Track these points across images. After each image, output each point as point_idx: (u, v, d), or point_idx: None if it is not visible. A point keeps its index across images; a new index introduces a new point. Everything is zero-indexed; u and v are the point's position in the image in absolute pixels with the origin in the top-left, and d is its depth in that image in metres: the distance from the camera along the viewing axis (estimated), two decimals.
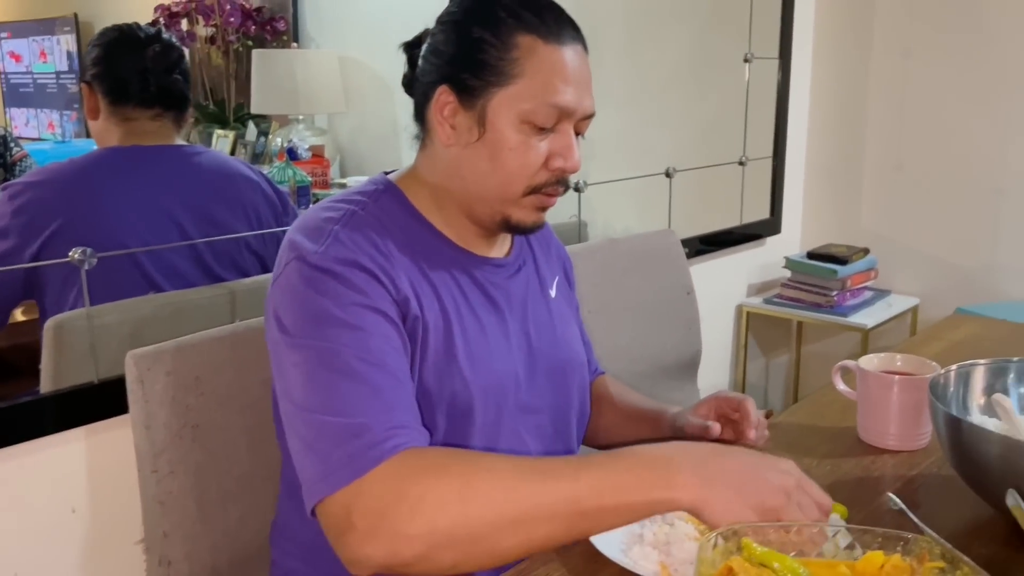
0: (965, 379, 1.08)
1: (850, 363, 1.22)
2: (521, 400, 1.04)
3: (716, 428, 1.09)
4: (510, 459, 0.85)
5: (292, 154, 2.60)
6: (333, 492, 0.80)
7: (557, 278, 1.18)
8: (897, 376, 1.15)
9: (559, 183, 0.98)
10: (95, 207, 1.40)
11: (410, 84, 1.02)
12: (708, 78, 2.50)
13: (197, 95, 3.14)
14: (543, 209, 1.01)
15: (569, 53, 0.95)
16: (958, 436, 0.94)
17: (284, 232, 0.98)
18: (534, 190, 0.97)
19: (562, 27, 0.96)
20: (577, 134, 1.00)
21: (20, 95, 3.62)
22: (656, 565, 0.87)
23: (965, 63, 2.55)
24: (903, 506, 0.87)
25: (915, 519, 0.85)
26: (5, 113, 3.79)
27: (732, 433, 1.12)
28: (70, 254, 1.26)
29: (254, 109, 2.99)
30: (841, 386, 1.24)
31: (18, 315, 1.44)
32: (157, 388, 1.12)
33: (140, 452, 1.12)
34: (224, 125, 3.28)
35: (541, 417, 1.07)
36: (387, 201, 1.00)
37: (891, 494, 0.89)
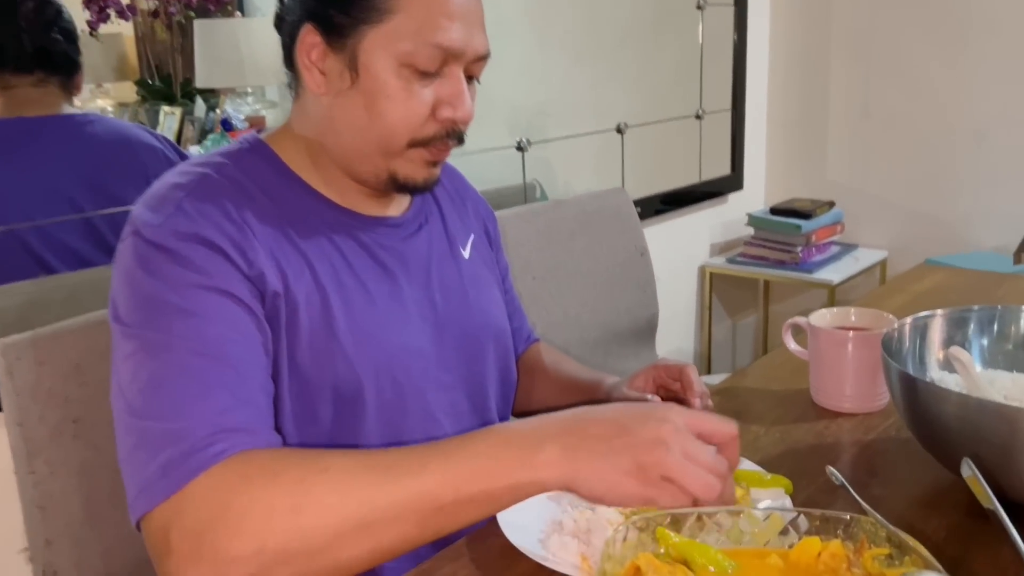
0: (922, 332, 0.98)
1: (800, 320, 1.12)
2: (430, 376, 0.93)
3: (655, 399, 0.99)
4: (351, 456, 0.72)
5: (227, 126, 2.46)
6: (150, 509, 0.69)
7: (472, 236, 1.06)
8: (851, 332, 1.05)
9: (450, 136, 0.87)
10: None
11: (280, 22, 0.90)
12: (660, 28, 2.38)
13: (143, 72, 2.99)
14: (435, 164, 0.89)
15: None
16: (913, 396, 0.84)
17: None
18: (421, 143, 0.86)
19: None
20: (470, 78, 0.88)
21: None
22: (576, 557, 0.76)
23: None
24: (843, 480, 0.77)
25: (856, 495, 0.75)
26: None
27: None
28: None
29: (199, 83, 2.84)
30: (792, 345, 1.14)
31: None
32: (29, 379, 1.00)
33: (15, 452, 1.00)
34: (171, 101, 3.13)
35: (455, 393, 0.96)
36: (252, 161, 0.88)
37: (831, 467, 0.79)
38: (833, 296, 2.39)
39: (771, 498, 0.83)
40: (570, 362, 1.18)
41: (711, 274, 2.60)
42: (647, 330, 1.92)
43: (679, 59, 2.42)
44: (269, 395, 0.79)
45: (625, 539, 0.61)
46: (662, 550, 0.62)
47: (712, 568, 0.60)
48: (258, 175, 0.87)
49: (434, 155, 0.87)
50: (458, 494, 0.68)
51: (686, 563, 0.61)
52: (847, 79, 2.63)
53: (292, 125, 0.92)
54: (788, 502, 0.82)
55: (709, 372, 2.66)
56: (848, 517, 0.61)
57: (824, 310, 1.11)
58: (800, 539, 0.63)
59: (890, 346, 0.91)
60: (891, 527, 0.59)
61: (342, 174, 0.90)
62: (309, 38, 0.84)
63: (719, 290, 2.69)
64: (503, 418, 1.07)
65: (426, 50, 0.81)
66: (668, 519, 0.63)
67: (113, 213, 1.37)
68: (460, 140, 0.89)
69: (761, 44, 2.69)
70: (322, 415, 0.86)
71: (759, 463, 0.92)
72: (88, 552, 1.04)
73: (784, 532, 0.64)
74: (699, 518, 0.64)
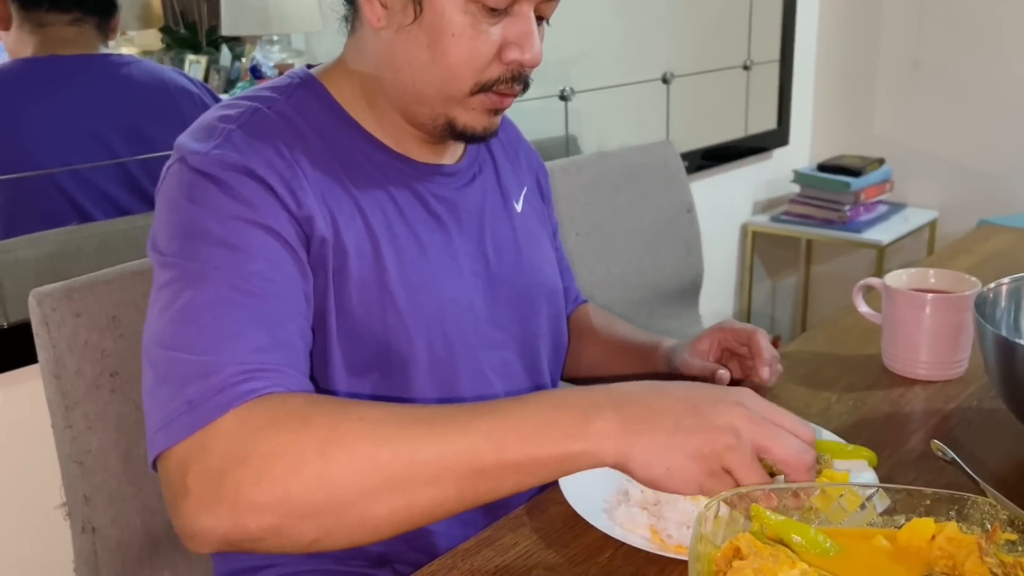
0: (1017, 296, 0.91)
1: (874, 281, 1.05)
2: (481, 333, 0.88)
3: (725, 375, 0.92)
4: (389, 407, 0.65)
5: (256, 73, 2.41)
6: (171, 445, 0.63)
7: (525, 190, 1.00)
8: (930, 295, 0.98)
9: (515, 80, 0.80)
10: (5, 125, 1.22)
11: None
12: None
13: (168, 20, 2.94)
14: (496, 112, 0.82)
15: None
16: (1010, 362, 0.78)
17: None
18: (484, 87, 0.79)
19: None
20: (540, 18, 0.81)
21: None
22: (645, 529, 0.72)
23: None
24: (954, 456, 0.71)
25: (972, 474, 0.68)
26: None
27: (740, 371, 0.96)
28: None
29: (225, 31, 2.79)
30: (863, 308, 1.07)
31: None
32: (66, 331, 0.96)
33: (52, 406, 0.97)
34: (196, 50, 3.08)
35: (507, 352, 0.91)
36: (304, 97, 0.82)
37: (937, 441, 0.73)
38: (882, 257, 2.31)
39: (854, 470, 0.77)
40: (622, 323, 1.12)
41: (753, 232, 2.52)
42: (691, 290, 1.86)
43: (727, 6, 2.32)
44: (306, 341, 0.74)
45: (716, 516, 0.56)
46: (755, 528, 0.57)
47: (812, 550, 0.55)
48: (310, 113, 0.81)
49: (495, 102, 0.81)
50: (502, 456, 0.61)
51: (782, 542, 0.56)
52: (899, 29, 2.51)
53: (347, 61, 0.85)
54: (873, 475, 0.77)
55: None
56: (967, 498, 0.55)
57: (900, 271, 1.05)
58: (907, 521, 0.57)
59: (983, 309, 0.85)
60: (1017, 509, 0.54)
61: (398, 117, 0.84)
62: None
63: (760, 249, 2.61)
64: (554, 381, 1.01)
65: None
66: (762, 495, 0.58)
67: (149, 159, 1.33)
68: (526, 86, 0.82)
69: None
70: (372, 367, 0.81)
71: (834, 431, 0.86)
72: (126, 509, 1.01)
73: (889, 511, 0.58)
74: (795, 494, 0.59)
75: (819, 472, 0.75)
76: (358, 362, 0.81)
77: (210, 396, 0.63)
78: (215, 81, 3.10)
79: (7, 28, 1.31)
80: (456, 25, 0.76)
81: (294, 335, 0.71)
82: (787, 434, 0.62)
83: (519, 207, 0.98)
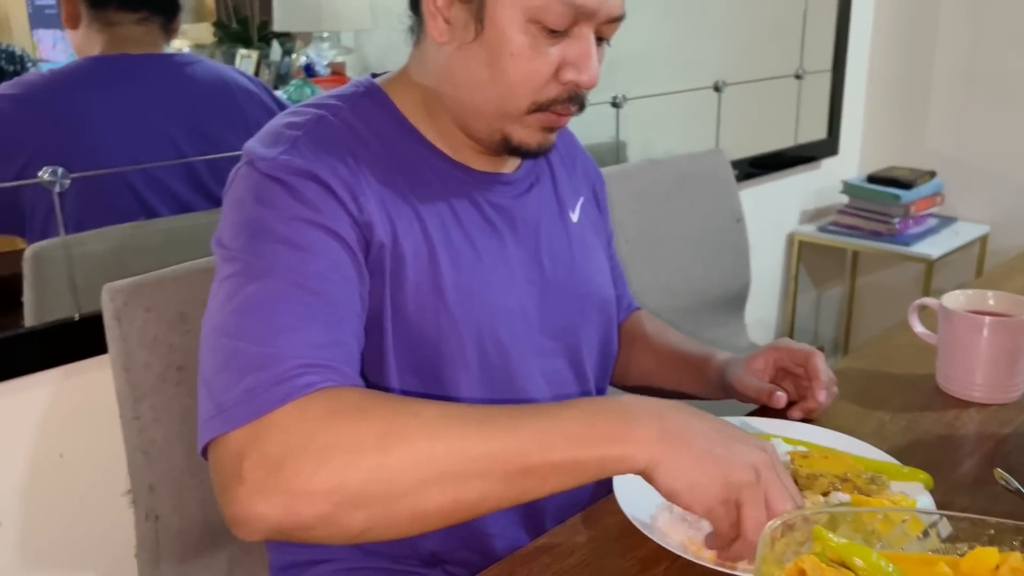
0: None
1: (930, 301, 1.05)
2: (533, 340, 0.89)
3: (782, 397, 0.93)
4: (443, 405, 0.68)
5: (309, 71, 2.44)
6: (226, 431, 0.65)
7: (582, 199, 1.01)
8: (988, 317, 0.98)
9: (572, 100, 0.81)
10: (77, 122, 1.26)
11: None
12: None
13: (220, 14, 2.99)
14: (552, 130, 0.84)
15: None
16: None
17: None
18: (541, 107, 0.80)
19: None
20: (600, 39, 0.82)
21: (46, 17, 3.47)
22: (684, 537, 0.73)
23: None
24: (1019, 486, 0.71)
25: None
26: (32, 35, 3.67)
27: (794, 391, 0.96)
28: (39, 175, 1.12)
29: (277, 26, 2.83)
30: (919, 328, 1.07)
31: (18, 243, 1.32)
32: (136, 325, 1.00)
33: (121, 397, 1.00)
34: (247, 44, 3.12)
35: (556, 360, 0.93)
36: (367, 106, 0.85)
37: (1000, 470, 0.74)
38: (930, 271, 2.29)
39: (910, 493, 0.78)
40: (674, 333, 1.13)
41: (800, 242, 2.51)
42: (738, 300, 1.86)
43: (780, 15, 2.30)
44: (360, 341, 0.76)
45: (781, 537, 0.57)
46: (817, 550, 0.58)
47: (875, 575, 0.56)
48: (373, 121, 0.84)
49: (552, 121, 0.82)
50: (546, 456, 0.65)
51: (845, 565, 0.57)
52: (954, 40, 2.48)
53: (410, 72, 0.87)
54: (929, 498, 0.77)
55: None
56: None
57: (957, 292, 1.04)
58: (969, 549, 0.58)
59: None
60: None
61: (456, 129, 0.86)
62: None
63: (806, 259, 2.59)
64: (600, 389, 1.03)
65: (558, 7, 0.76)
66: (826, 517, 0.58)
67: (213, 159, 1.36)
68: (582, 106, 0.83)
69: (867, 1, 2.54)
70: (425, 369, 0.83)
71: (888, 452, 0.86)
72: (188, 499, 1.04)
73: (951, 539, 0.59)
74: (857, 518, 0.59)
75: (876, 493, 0.76)
76: (411, 363, 0.83)
77: (269, 387, 0.65)
78: (265, 76, 3.15)
79: (75, 27, 1.34)
80: (516, 44, 0.77)
81: (348, 334, 0.73)
82: (790, 499, 0.66)
83: (575, 217, 0.99)
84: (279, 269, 0.71)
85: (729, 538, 0.67)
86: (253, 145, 0.80)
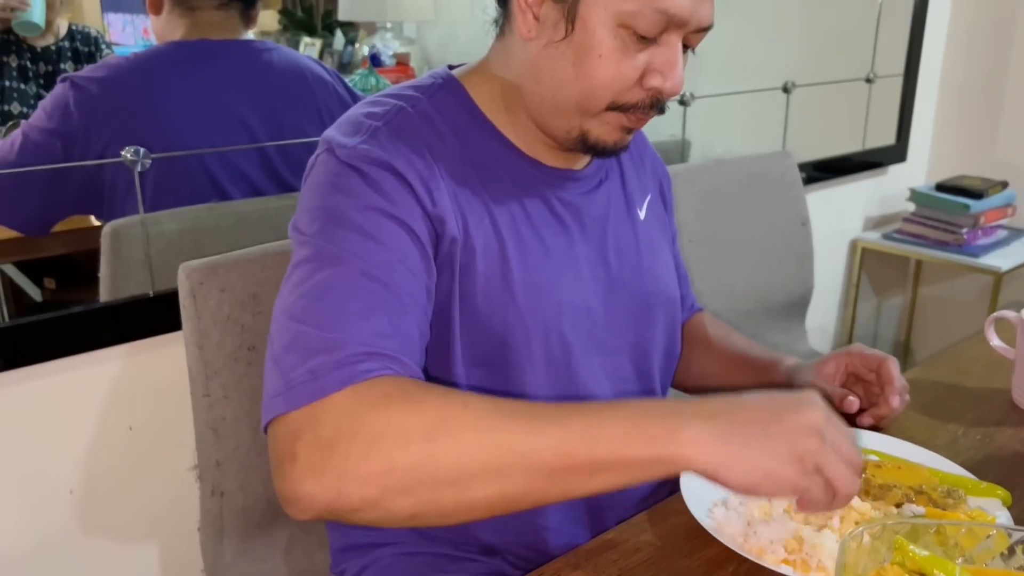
0: None
1: (1009, 314, 1.02)
2: (597, 337, 0.89)
3: (854, 402, 0.92)
4: (493, 399, 0.69)
5: (375, 61, 2.46)
6: (287, 411, 0.66)
7: (649, 197, 1.01)
8: None
9: (652, 106, 0.81)
10: (158, 104, 1.29)
11: None
12: None
13: (286, 2, 3.04)
14: (629, 131, 0.83)
15: None
16: None
17: None
18: (621, 107, 0.80)
19: None
20: (686, 47, 0.81)
21: (117, 1, 3.56)
22: (739, 534, 0.72)
23: None
24: None
25: None
26: (103, 18, 3.77)
27: (866, 398, 0.95)
28: (122, 154, 1.15)
29: (341, 15, 2.86)
30: (996, 341, 1.05)
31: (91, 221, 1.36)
32: (211, 305, 1.02)
33: (192, 374, 1.03)
34: (312, 33, 3.17)
35: (620, 358, 0.92)
36: (444, 98, 0.85)
37: None
38: (998, 284, 2.22)
39: (987, 508, 0.76)
40: (739, 336, 1.12)
41: (863, 249, 2.46)
42: (799, 305, 1.83)
43: (853, 17, 2.26)
44: (423, 333, 0.77)
45: (860, 546, 0.56)
46: (897, 560, 0.57)
47: None
48: (450, 114, 0.84)
49: (631, 122, 0.82)
50: (594, 455, 0.65)
51: None
52: None
53: (490, 64, 0.88)
54: (1007, 515, 0.75)
55: None
56: None
57: None
58: None
59: None
60: None
61: (532, 124, 0.86)
62: None
63: (868, 267, 2.54)
64: (664, 389, 1.02)
65: (650, 14, 0.75)
66: (907, 528, 0.57)
67: (287, 145, 1.38)
68: (661, 111, 0.83)
69: (943, 5, 2.48)
70: (490, 362, 0.84)
71: (962, 466, 0.85)
72: (253, 477, 1.06)
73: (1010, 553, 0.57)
74: (939, 530, 0.58)
75: (952, 507, 0.74)
76: (478, 356, 0.83)
77: (330, 370, 0.67)
78: (328, 64, 3.20)
79: (158, 13, 1.38)
80: (605, 47, 0.77)
81: (412, 326, 0.74)
82: (844, 466, 0.65)
83: (642, 214, 0.99)
84: (350, 257, 0.73)
85: (827, 503, 0.66)
86: (333, 133, 0.81)
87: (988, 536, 0.58)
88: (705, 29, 0.80)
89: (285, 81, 1.43)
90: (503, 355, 0.84)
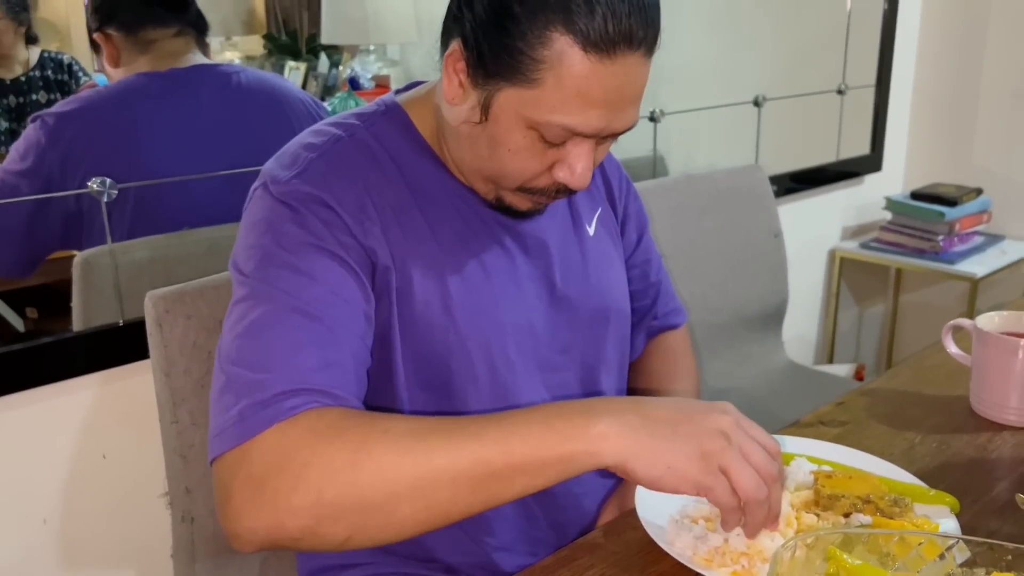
0: None
1: (965, 322, 1.04)
2: (540, 355, 0.91)
3: None
4: (414, 420, 0.73)
5: (354, 84, 2.48)
6: (222, 452, 0.71)
7: (599, 211, 1.01)
8: (1023, 339, 0.97)
9: (561, 191, 0.83)
10: (132, 135, 1.30)
11: (448, 10, 0.84)
12: None
13: (270, 26, 3.06)
14: (541, 203, 0.86)
15: (614, 69, 0.74)
16: None
17: None
18: (530, 192, 0.83)
19: (618, 34, 0.73)
20: (606, 137, 0.81)
21: None
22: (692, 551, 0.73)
23: None
24: None
25: None
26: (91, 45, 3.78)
27: None
28: (89, 185, 1.17)
29: (324, 39, 2.88)
30: (953, 348, 1.06)
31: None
32: (177, 332, 1.03)
33: (161, 401, 1.04)
34: (296, 57, 3.19)
35: (565, 375, 0.94)
36: (385, 126, 0.87)
37: (1022, 496, 0.73)
38: (975, 290, 2.24)
39: (935, 516, 0.77)
40: (684, 378, 1.10)
41: (841, 258, 2.48)
42: (775, 316, 1.85)
43: (823, 29, 2.29)
44: (362, 362, 0.79)
45: (793, 557, 0.57)
46: (831, 570, 0.58)
47: None
48: (389, 141, 0.86)
49: (540, 201, 0.85)
50: (510, 459, 0.68)
51: None
52: (1004, 56, 2.43)
53: (434, 97, 0.88)
54: (954, 522, 0.76)
55: (831, 361, 2.55)
56: None
57: (992, 313, 1.03)
58: (986, 572, 0.57)
59: None
60: None
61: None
62: (456, 54, 0.79)
63: (848, 276, 2.56)
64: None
65: (555, 130, 0.76)
66: (840, 538, 0.59)
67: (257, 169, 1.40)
68: (570, 195, 0.86)
69: (912, 15, 2.51)
70: (434, 386, 0.86)
71: (916, 474, 0.86)
72: None
73: (969, 563, 0.58)
74: (872, 539, 0.59)
75: (899, 516, 0.75)
76: (422, 380, 0.85)
77: (258, 411, 0.70)
78: (312, 88, 3.22)
79: (119, 64, 1.37)
80: (514, 144, 0.78)
81: (347, 356, 0.76)
82: (752, 471, 0.68)
83: (591, 230, 0.99)
84: (281, 295, 0.75)
85: (733, 505, 0.69)
86: (271, 166, 0.83)
87: (919, 544, 0.59)
88: (626, 131, 0.81)
89: (257, 102, 1.44)
90: (446, 378, 0.86)
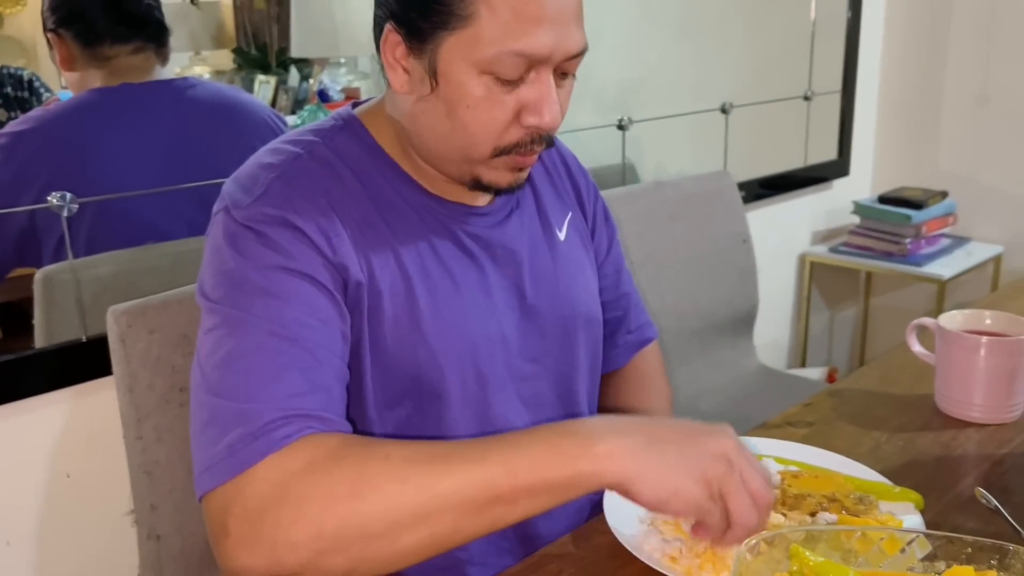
0: None
1: (928, 321, 1.05)
2: (513, 366, 0.89)
3: None
4: (413, 445, 0.71)
5: (323, 96, 2.47)
6: (213, 487, 0.69)
7: (570, 215, 1.00)
8: (985, 337, 0.98)
9: (536, 141, 0.80)
10: (88, 152, 1.29)
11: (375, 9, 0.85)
12: (771, 1, 2.27)
13: (239, 41, 3.05)
14: (521, 169, 0.83)
15: None
16: None
17: None
18: (505, 151, 0.80)
19: None
20: (564, 75, 0.80)
21: None
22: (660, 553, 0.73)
23: None
24: (997, 504, 0.71)
25: (1014, 523, 0.69)
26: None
27: None
28: (48, 199, 1.15)
29: (294, 52, 2.87)
30: (917, 348, 1.07)
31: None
32: (140, 347, 1.01)
33: (124, 417, 1.02)
34: (266, 70, 3.17)
35: (539, 383, 0.93)
36: (344, 140, 0.85)
37: (981, 489, 0.73)
38: (943, 292, 2.27)
39: (899, 513, 0.78)
40: (655, 403, 1.08)
41: (812, 263, 2.50)
42: (745, 321, 1.85)
43: (788, 36, 2.32)
44: (343, 382, 0.78)
45: (757, 555, 0.57)
46: (794, 568, 0.58)
47: None
48: (349, 156, 0.84)
49: (519, 162, 0.82)
50: (515, 482, 0.67)
51: None
52: (966, 61, 2.48)
53: (385, 106, 0.87)
54: (919, 518, 0.77)
55: (804, 365, 2.57)
56: (1008, 548, 0.56)
57: (955, 312, 1.04)
58: (947, 568, 0.58)
59: None
60: None
61: (429, 166, 0.86)
62: (392, 36, 0.79)
63: (818, 280, 2.58)
64: (591, 408, 1.02)
65: (509, 59, 0.74)
66: (803, 535, 0.59)
67: (220, 183, 1.38)
68: (549, 144, 0.82)
69: (876, 22, 2.55)
70: (405, 402, 0.84)
71: (882, 472, 0.86)
72: (190, 518, 1.05)
73: (930, 557, 0.59)
74: (835, 536, 0.60)
75: (864, 513, 0.76)
76: (391, 397, 0.84)
77: (248, 442, 0.68)
78: (283, 101, 3.20)
79: (72, 68, 1.35)
80: (471, 97, 0.76)
81: (330, 377, 0.75)
82: (747, 499, 0.68)
83: (562, 235, 0.98)
84: (255, 320, 0.73)
85: (722, 529, 0.69)
86: (231, 188, 0.81)
87: (880, 539, 0.59)
88: (578, 55, 0.78)
89: (213, 115, 1.43)
90: (417, 394, 0.84)
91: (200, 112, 1.42)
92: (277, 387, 0.71)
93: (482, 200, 0.91)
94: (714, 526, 0.68)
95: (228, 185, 0.82)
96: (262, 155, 0.84)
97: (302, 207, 0.78)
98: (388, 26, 0.79)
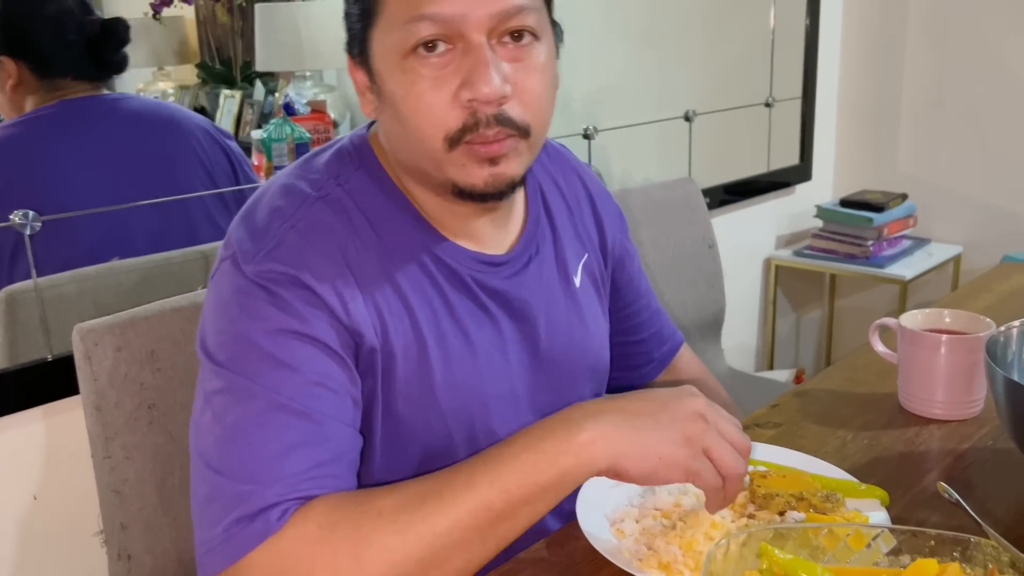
0: None
1: (890, 321, 1.07)
2: (522, 421, 0.86)
3: None
4: (400, 491, 0.69)
5: (289, 110, 2.46)
6: (214, 573, 0.68)
7: (585, 256, 0.96)
8: (945, 335, 1.00)
9: (483, 123, 0.72)
10: (38, 169, 1.27)
11: None
12: (731, 11, 2.31)
13: (203, 55, 3.03)
14: (489, 161, 0.74)
15: None
16: (1020, 405, 0.79)
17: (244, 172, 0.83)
18: (457, 140, 0.73)
19: None
20: (518, 38, 0.73)
21: None
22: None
23: None
24: (959, 498, 0.73)
25: (975, 516, 0.70)
26: None
27: None
28: (11, 218, 1.14)
29: (259, 66, 2.85)
30: (880, 347, 1.09)
31: None
32: (107, 365, 1.00)
33: (92, 436, 1.01)
34: (231, 85, 3.15)
35: None
36: (360, 180, 0.81)
37: (943, 483, 0.75)
38: (905, 292, 2.32)
39: (865, 509, 0.79)
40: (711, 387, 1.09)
41: (777, 267, 2.54)
42: (713, 325, 1.88)
43: (749, 45, 2.35)
44: (355, 450, 0.75)
45: (726, 554, 0.58)
46: (764, 566, 0.59)
47: None
48: (364, 198, 0.80)
49: (480, 152, 0.73)
50: (510, 497, 0.67)
51: None
52: (922, 67, 2.53)
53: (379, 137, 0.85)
54: (884, 514, 0.79)
55: (771, 368, 2.60)
56: (969, 539, 0.57)
57: (915, 311, 1.07)
58: (912, 561, 0.59)
59: (994, 351, 0.87)
60: (1016, 551, 0.55)
61: (429, 194, 0.82)
62: (351, 63, 0.80)
63: (784, 283, 2.62)
64: None
65: (417, 27, 0.70)
66: (771, 534, 0.60)
67: (182, 199, 1.37)
68: (508, 124, 0.73)
69: (834, 30, 2.60)
70: (409, 465, 0.82)
71: (848, 470, 0.88)
72: (160, 537, 1.04)
73: (896, 551, 0.60)
74: (803, 534, 0.61)
75: (831, 511, 0.77)
76: (398, 460, 0.82)
77: (245, 526, 0.67)
78: (248, 115, 3.19)
79: (13, 95, 1.30)
80: (402, 86, 0.73)
81: (338, 449, 0.72)
82: (731, 449, 0.71)
83: (577, 280, 0.94)
84: (262, 391, 0.71)
85: (718, 486, 0.70)
86: (240, 234, 0.77)
87: (846, 535, 0.61)
88: (513, 12, 0.71)
89: (148, 128, 1.42)
90: (423, 459, 0.82)
91: (140, 125, 1.41)
92: (280, 467, 0.69)
93: (501, 243, 0.87)
94: (708, 484, 0.69)
95: (236, 229, 0.78)
96: (274, 195, 0.79)
97: (317, 265, 0.74)
98: (348, 55, 0.80)
